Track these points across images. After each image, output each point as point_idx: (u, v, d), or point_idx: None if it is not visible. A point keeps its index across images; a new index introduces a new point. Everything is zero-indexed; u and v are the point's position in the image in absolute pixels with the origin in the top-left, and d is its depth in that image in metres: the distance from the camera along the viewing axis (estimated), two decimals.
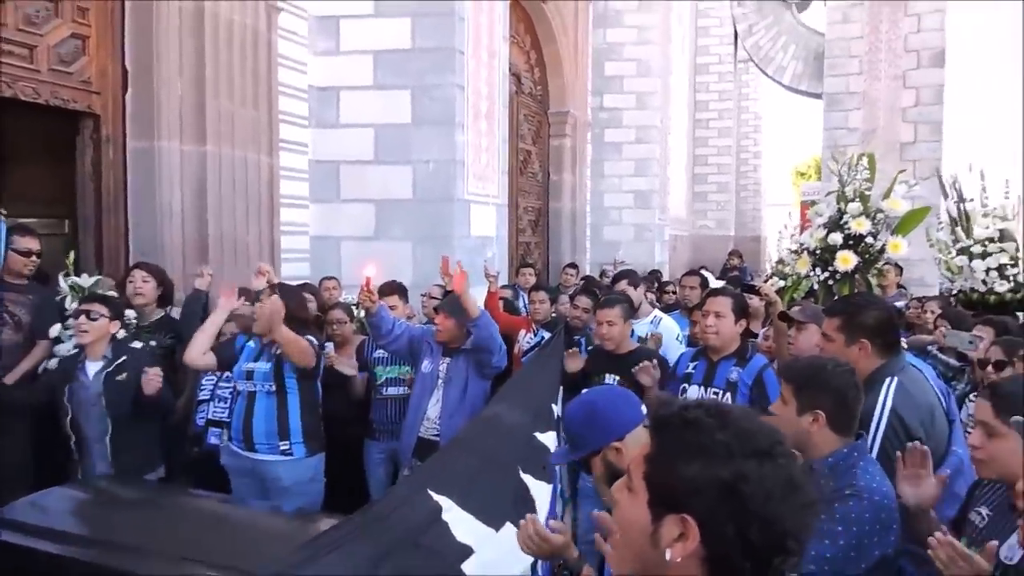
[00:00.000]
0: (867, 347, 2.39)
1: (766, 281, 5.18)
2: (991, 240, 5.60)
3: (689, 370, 3.48)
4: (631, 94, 11.42)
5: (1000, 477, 1.83)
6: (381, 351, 4.08)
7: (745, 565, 0.99)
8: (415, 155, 5.77)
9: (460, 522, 2.22)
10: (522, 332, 5.08)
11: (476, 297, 5.13)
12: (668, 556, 1.01)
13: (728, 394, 3.26)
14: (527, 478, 2.71)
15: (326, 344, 4.32)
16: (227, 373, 3.68)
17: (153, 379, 3.27)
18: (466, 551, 2.13)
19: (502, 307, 5.38)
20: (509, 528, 2.26)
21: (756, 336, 4.93)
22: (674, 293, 6.38)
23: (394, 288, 4.49)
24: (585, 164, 10.83)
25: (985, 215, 5.75)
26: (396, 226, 5.80)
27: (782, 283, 4.95)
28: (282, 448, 3.42)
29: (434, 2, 5.65)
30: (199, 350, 3.46)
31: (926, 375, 2.50)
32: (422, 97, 5.73)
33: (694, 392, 3.37)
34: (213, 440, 3.69)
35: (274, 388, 3.45)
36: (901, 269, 6.96)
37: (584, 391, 2.17)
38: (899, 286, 6.82)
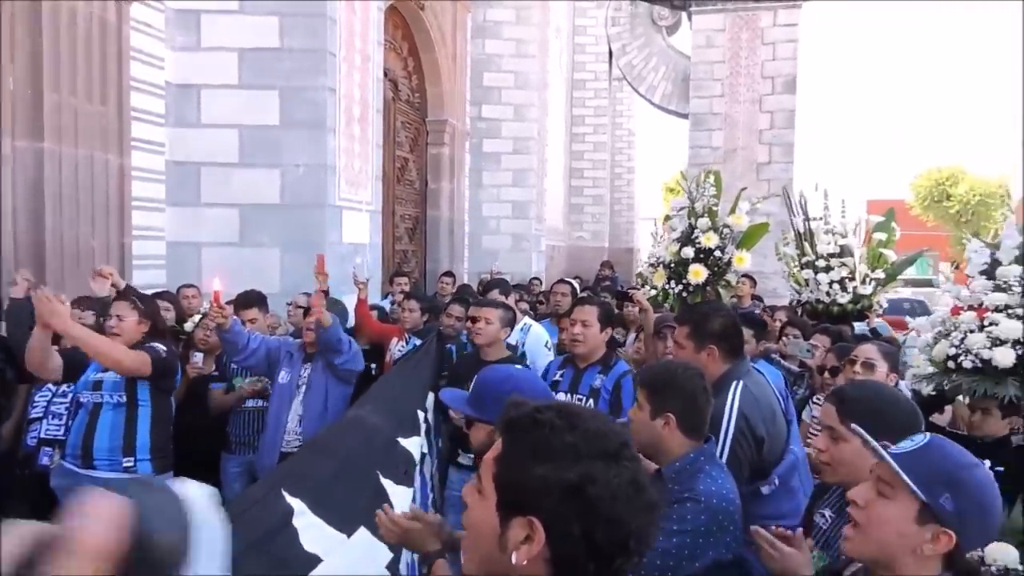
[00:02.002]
0: (715, 352, 2.51)
1: (640, 289, 5.36)
2: (833, 255, 6.10)
3: (557, 377, 3.54)
4: (509, 105, 11.60)
5: (843, 480, 1.90)
6: None
7: (589, 566, 1.00)
8: (284, 158, 5.57)
9: (310, 528, 2.16)
10: (394, 340, 5.00)
11: (346, 305, 5.04)
12: (514, 559, 1.00)
13: (591, 400, 3.34)
14: (387, 483, 2.68)
15: (196, 354, 4.08)
16: (63, 388, 3.38)
17: None
18: (313, 560, 2.08)
19: (375, 316, 5.28)
20: (362, 533, 2.23)
21: (624, 344, 5.11)
22: None
23: (252, 300, 4.28)
24: (463, 173, 10.86)
25: (827, 232, 6.25)
26: (263, 232, 5.57)
27: (653, 292, 5.15)
28: (125, 465, 3.18)
29: (304, 2, 5.49)
30: (39, 359, 3.14)
31: (767, 379, 2.66)
32: (291, 99, 5.55)
33: (560, 399, 3.43)
34: (45, 461, 3.37)
35: (124, 399, 3.22)
36: (755, 281, 7.42)
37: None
38: (754, 297, 7.27)
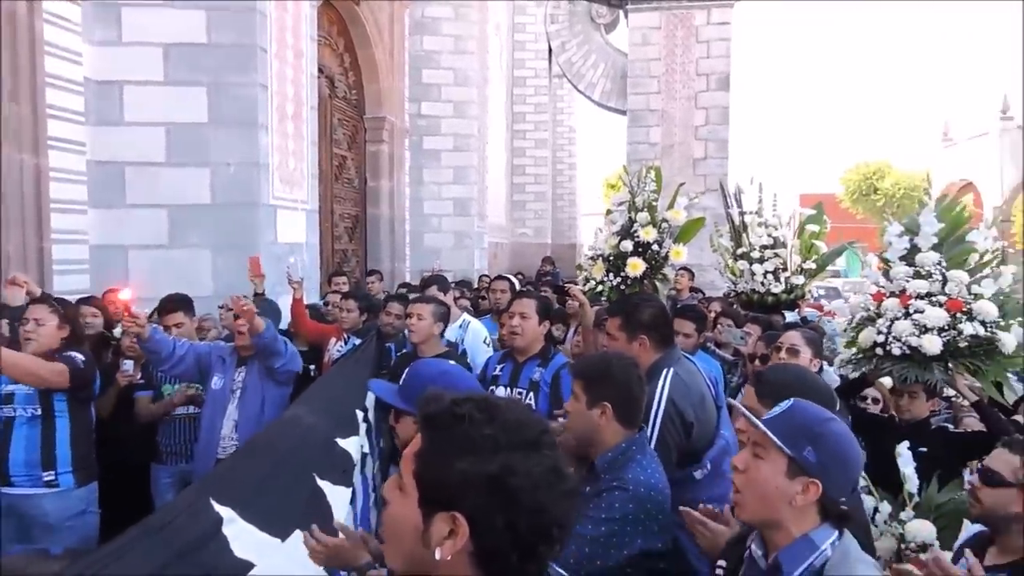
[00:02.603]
0: (646, 342, 2.56)
1: (584, 284, 5.40)
2: (766, 247, 6.27)
3: (496, 372, 3.53)
4: (448, 102, 11.54)
5: None
6: None
7: (512, 556, 1.00)
8: (213, 157, 5.40)
9: (241, 534, 2.11)
10: (333, 340, 4.92)
11: (282, 305, 4.93)
12: (438, 555, 1.00)
13: (531, 393, 3.35)
14: (324, 484, 2.65)
15: (125, 362, 3.93)
16: None
17: None
18: (245, 566, 2.03)
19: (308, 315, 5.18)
20: (297, 536, 2.19)
21: (564, 339, 5.15)
22: None
23: (176, 304, 4.09)
24: (403, 171, 10.76)
25: (760, 224, 6.43)
26: (193, 233, 5.39)
27: (592, 284, 5.17)
28: (46, 479, 3.06)
29: None
30: None
31: (698, 366, 2.72)
32: (220, 95, 5.38)
33: (501, 393, 3.42)
34: None
35: (39, 412, 3.09)
36: (693, 274, 7.58)
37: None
38: (692, 289, 7.42)
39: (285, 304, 5.03)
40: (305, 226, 6.32)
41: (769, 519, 1.50)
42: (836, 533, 1.48)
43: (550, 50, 17.33)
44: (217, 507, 2.13)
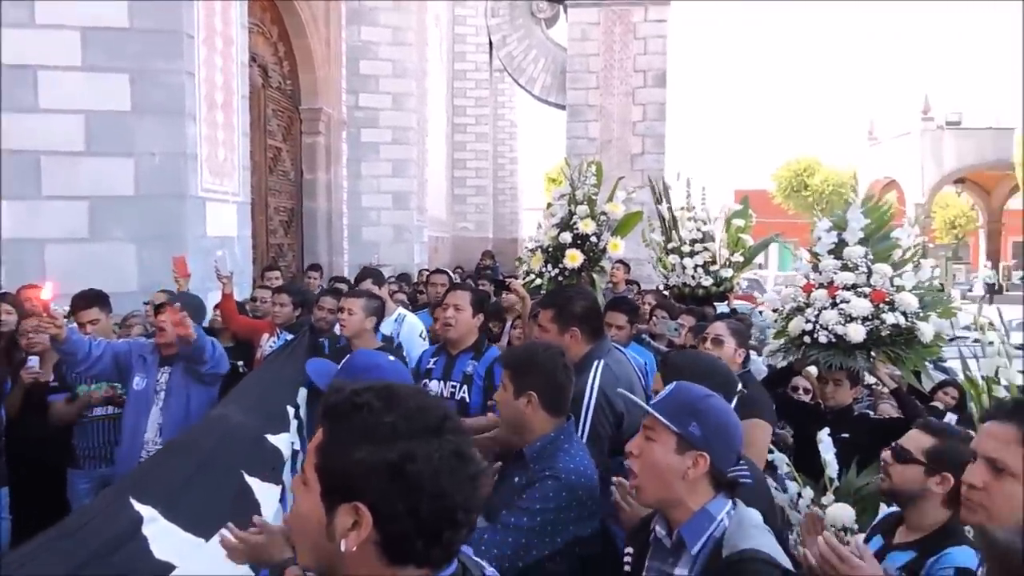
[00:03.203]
0: (577, 334, 2.58)
1: (524, 277, 5.39)
2: (696, 241, 6.42)
3: (430, 365, 3.50)
4: (387, 94, 11.37)
5: None
6: None
7: (418, 543, 1.00)
8: (137, 147, 5.20)
9: (162, 534, 2.03)
10: (265, 336, 4.80)
11: (211, 300, 4.78)
12: (344, 547, 0.99)
13: (465, 386, 3.32)
14: (252, 481, 2.57)
15: (30, 358, 3.72)
16: None
17: None
18: (166, 568, 1.95)
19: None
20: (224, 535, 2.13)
21: (500, 334, 5.15)
22: None
23: (91, 299, 3.88)
24: (341, 163, 10.57)
25: (690, 219, 6.57)
26: (116, 226, 5.18)
27: (531, 276, 5.18)
28: None
29: None
30: None
31: (628, 357, 2.75)
32: (144, 83, 5.18)
33: (434, 387, 3.40)
34: None
35: None
36: (629, 267, 7.69)
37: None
38: (628, 282, 7.53)
39: (215, 300, 4.88)
40: (236, 219, 6.15)
41: (667, 497, 1.58)
42: (730, 503, 1.58)
43: (491, 44, 17.30)
44: (137, 506, 2.04)
